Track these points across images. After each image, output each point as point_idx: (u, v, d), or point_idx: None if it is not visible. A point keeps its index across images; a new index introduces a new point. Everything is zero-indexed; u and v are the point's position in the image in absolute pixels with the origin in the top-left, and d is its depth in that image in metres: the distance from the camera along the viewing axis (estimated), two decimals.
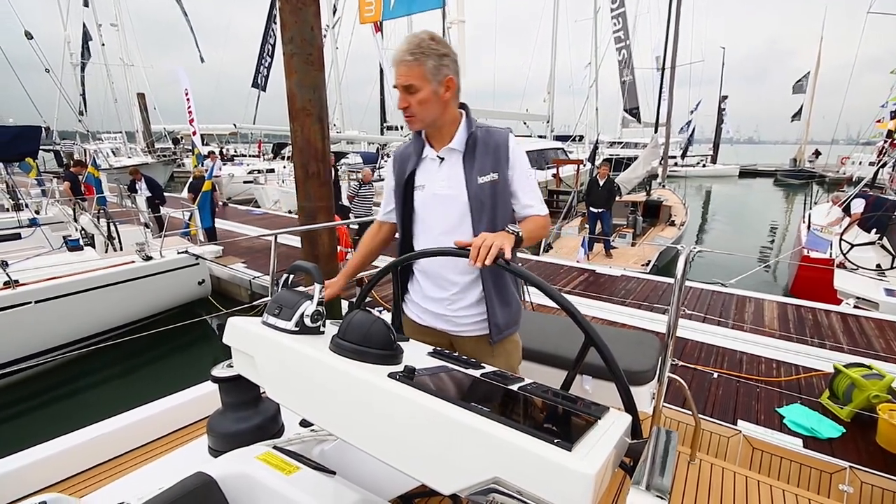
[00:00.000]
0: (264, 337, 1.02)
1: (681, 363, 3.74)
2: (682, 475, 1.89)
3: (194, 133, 16.56)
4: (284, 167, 17.07)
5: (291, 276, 1.20)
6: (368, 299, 1.45)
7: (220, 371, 1.32)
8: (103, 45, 25.49)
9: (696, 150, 35.23)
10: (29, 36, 11.94)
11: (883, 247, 6.50)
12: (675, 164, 27.47)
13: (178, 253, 6.13)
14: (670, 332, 1.75)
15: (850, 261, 6.16)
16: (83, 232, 6.84)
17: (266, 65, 20.10)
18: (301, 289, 1.17)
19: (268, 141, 26.37)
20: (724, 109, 33.24)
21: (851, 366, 3.12)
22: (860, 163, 21.59)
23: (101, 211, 7.06)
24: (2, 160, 6.94)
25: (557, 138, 21.94)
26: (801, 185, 25.02)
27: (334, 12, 17.91)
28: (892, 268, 5.90)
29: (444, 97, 1.30)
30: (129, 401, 2.00)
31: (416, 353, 1.03)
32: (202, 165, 12.16)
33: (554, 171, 14.96)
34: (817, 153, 31.39)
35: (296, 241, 7.36)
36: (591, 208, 8.29)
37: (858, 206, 7.71)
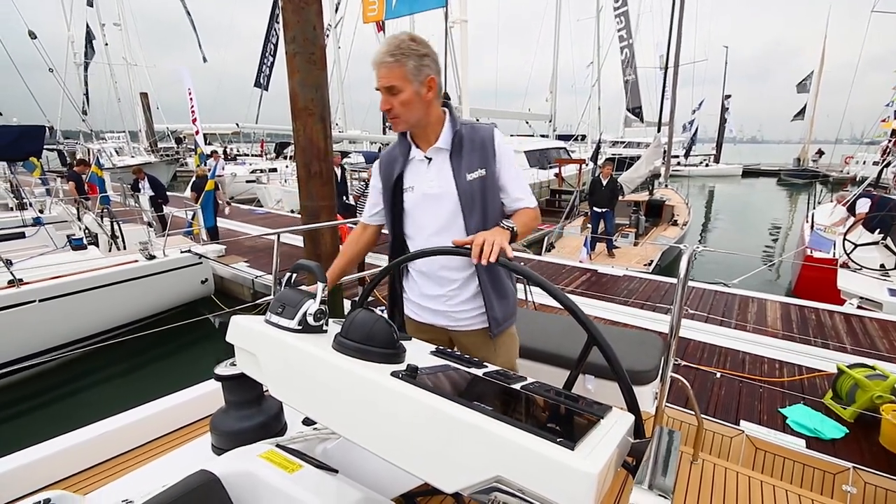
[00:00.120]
0: (267, 335, 1.02)
1: (683, 363, 3.74)
2: (685, 475, 1.88)
3: (197, 132, 16.64)
4: (287, 166, 17.10)
5: (294, 275, 1.20)
6: (370, 298, 1.45)
7: (223, 369, 1.33)
8: (107, 44, 25.60)
9: (699, 149, 35.14)
10: (32, 35, 11.96)
11: (887, 247, 6.47)
12: (678, 164, 27.41)
13: (181, 252, 6.15)
14: (673, 332, 1.75)
15: (853, 261, 6.13)
16: (87, 231, 6.87)
17: (268, 64, 20.12)
18: (304, 287, 1.17)
19: (270, 140, 26.42)
20: (727, 109, 33.13)
21: (855, 366, 3.11)
22: (864, 162, 21.49)
23: (105, 210, 7.08)
24: (6, 159, 6.98)
25: (560, 138, 21.91)
26: (805, 184, 24.92)
27: (336, 9, 17.91)
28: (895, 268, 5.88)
29: (427, 97, 1.30)
30: (132, 399, 2.01)
31: (419, 352, 1.04)
32: (205, 165, 12.21)
33: (556, 170, 14.94)
34: (820, 153, 31.26)
35: (298, 241, 7.37)
36: (595, 208, 8.28)
37: (864, 205, 7.67)
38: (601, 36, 22.18)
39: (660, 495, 0.61)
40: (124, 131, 27.78)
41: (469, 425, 0.71)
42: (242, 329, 1.09)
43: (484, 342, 1.51)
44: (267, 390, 1.21)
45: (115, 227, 6.78)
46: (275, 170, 17.89)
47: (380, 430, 0.83)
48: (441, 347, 1.08)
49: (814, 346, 4.10)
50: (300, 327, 1.02)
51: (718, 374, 3.58)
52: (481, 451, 0.70)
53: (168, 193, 9.43)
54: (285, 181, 14.98)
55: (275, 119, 21.19)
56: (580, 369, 1.03)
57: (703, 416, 2.04)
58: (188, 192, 9.82)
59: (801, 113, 30.18)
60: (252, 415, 1.34)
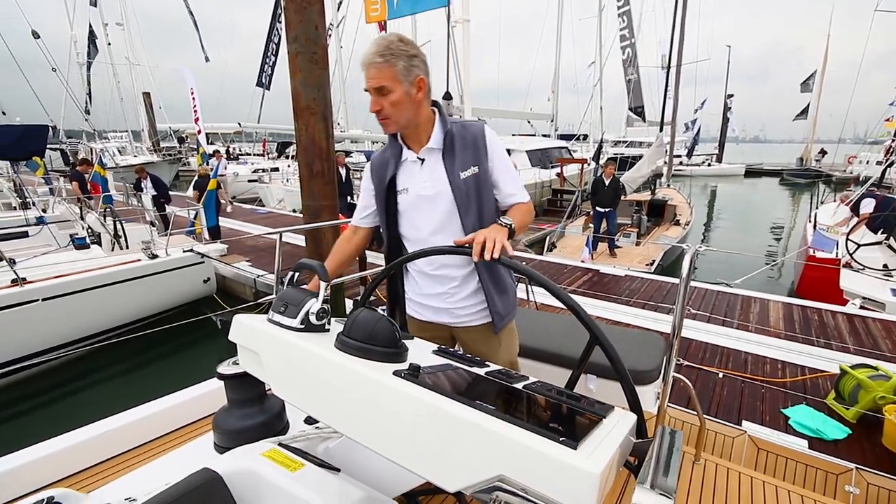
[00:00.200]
0: (270, 334, 1.03)
1: (685, 363, 3.73)
2: (687, 475, 1.88)
3: (199, 132, 16.66)
4: (289, 166, 17.11)
5: (297, 274, 1.20)
6: (371, 298, 1.45)
7: (225, 368, 1.33)
8: (109, 44, 25.65)
9: (702, 149, 35.03)
10: (36, 35, 12.02)
11: (890, 247, 6.45)
12: (681, 163, 27.33)
13: (184, 251, 6.16)
14: (675, 332, 1.74)
15: (856, 261, 6.11)
16: (90, 230, 6.88)
17: (270, 63, 20.15)
18: (305, 287, 1.17)
19: (272, 140, 26.45)
20: (729, 108, 33.04)
21: (857, 367, 3.10)
22: (867, 162, 21.42)
23: (108, 209, 7.09)
24: (10, 159, 7.00)
25: (561, 137, 21.88)
26: (808, 184, 24.85)
27: (339, 6, 17.90)
28: None
29: (417, 98, 1.30)
30: (135, 397, 2.02)
31: (421, 352, 1.04)
32: (207, 164, 12.23)
33: (558, 170, 14.93)
34: (823, 152, 31.16)
35: (300, 240, 7.40)
36: (598, 208, 8.25)
37: (868, 205, 7.65)
38: (603, 35, 22.14)
39: (663, 495, 0.61)
40: (127, 131, 27.87)
41: (472, 424, 0.71)
42: (245, 328, 1.09)
43: (486, 337, 1.52)
44: (269, 389, 1.21)
45: (118, 226, 6.79)
46: (277, 169, 17.90)
47: (382, 428, 0.83)
48: (443, 347, 1.09)
49: (816, 347, 4.09)
50: (303, 326, 1.02)
51: (720, 375, 3.57)
52: (484, 450, 0.70)
53: (170, 193, 9.44)
54: (287, 181, 14.99)
55: (277, 118, 21.23)
56: (582, 369, 1.03)
57: (705, 416, 2.04)
58: (190, 192, 9.85)
59: (804, 112, 30.10)
60: (254, 413, 1.34)
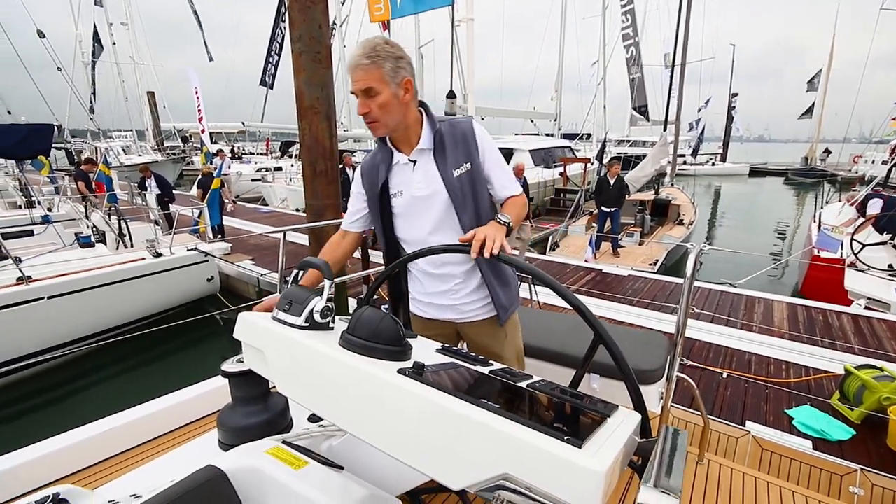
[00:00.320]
0: (274, 332, 1.03)
1: (689, 363, 3.72)
2: (691, 475, 1.88)
3: (203, 131, 16.71)
4: (292, 165, 17.15)
5: (301, 272, 1.21)
6: (374, 297, 1.45)
7: (229, 366, 1.33)
8: (114, 44, 25.76)
9: (706, 148, 34.93)
10: (41, 35, 12.07)
11: (895, 247, 6.41)
12: (685, 163, 27.24)
13: (188, 250, 6.19)
14: (679, 331, 1.74)
15: (861, 261, 6.08)
16: (95, 229, 6.92)
17: (273, 63, 20.20)
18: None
19: (275, 139, 26.51)
20: (734, 107, 32.89)
21: (862, 367, 3.08)
22: (873, 161, 21.29)
23: (113, 208, 7.14)
24: (15, 158, 7.03)
25: (565, 136, 21.81)
26: (813, 183, 24.71)
27: (343, 6, 17.91)
28: None
29: (405, 99, 1.30)
30: (140, 395, 2.03)
31: (425, 350, 1.04)
32: (211, 163, 12.26)
33: (561, 169, 14.90)
34: (827, 151, 30.99)
35: (303, 239, 7.40)
36: (603, 207, 8.22)
37: (875, 206, 7.60)
38: (607, 34, 22.07)
39: (668, 494, 0.61)
40: (131, 130, 27.97)
41: (476, 423, 0.71)
42: (250, 326, 1.10)
43: (492, 330, 1.54)
44: (273, 387, 1.22)
45: (123, 224, 6.83)
46: (280, 168, 17.94)
47: (386, 426, 0.83)
48: (447, 345, 1.09)
49: (821, 347, 4.07)
50: (307, 324, 1.02)
51: (724, 375, 3.56)
52: (489, 448, 0.70)
53: (174, 191, 9.48)
54: (290, 180, 15.02)
55: (280, 118, 21.27)
56: (587, 368, 1.03)
57: (708, 416, 2.03)
58: (194, 191, 9.88)
59: (809, 111, 29.95)
60: (258, 411, 1.35)
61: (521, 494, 0.67)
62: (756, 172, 33.23)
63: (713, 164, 32.54)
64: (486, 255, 1.11)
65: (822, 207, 9.80)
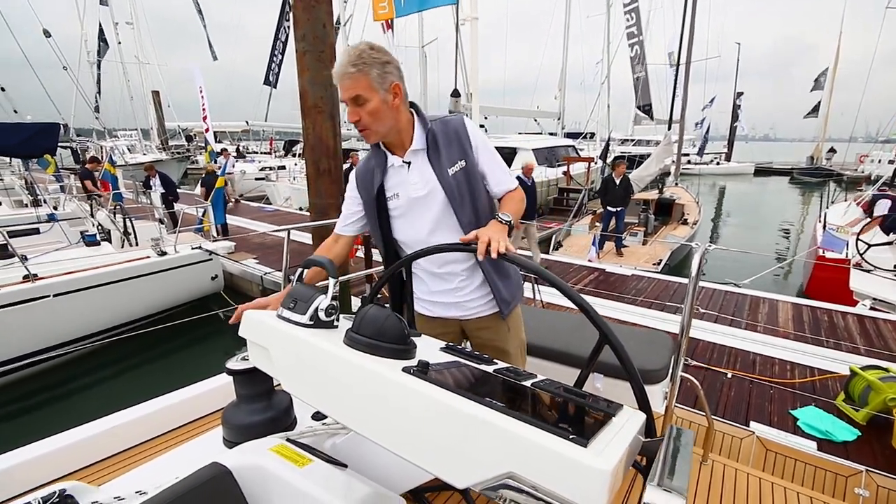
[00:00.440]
0: (279, 330, 1.03)
1: (693, 363, 3.71)
2: (695, 476, 1.87)
3: (207, 130, 16.77)
4: (295, 164, 17.18)
5: (305, 271, 1.21)
6: (379, 295, 1.46)
7: (234, 364, 1.34)
8: (119, 43, 25.85)
9: (710, 147, 34.73)
10: (47, 34, 12.15)
11: None
12: (689, 162, 27.11)
13: (192, 249, 6.21)
14: (684, 331, 1.73)
15: (866, 261, 6.04)
16: (100, 227, 6.95)
17: (277, 62, 20.22)
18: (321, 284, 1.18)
19: (279, 138, 26.56)
20: (739, 106, 32.69)
21: (868, 368, 3.07)
22: (878, 161, 21.13)
23: (118, 207, 7.17)
24: (22, 156, 7.08)
25: (568, 135, 21.76)
26: (818, 183, 24.55)
27: (346, 4, 17.91)
28: None
29: (394, 104, 1.29)
30: (144, 393, 2.04)
31: (429, 349, 1.04)
32: (215, 162, 12.31)
33: (564, 168, 14.86)
34: (832, 151, 30.79)
35: (306, 238, 7.42)
36: (608, 207, 8.19)
37: (883, 207, 7.54)
38: (611, 32, 21.97)
39: (674, 493, 0.61)
40: (136, 129, 28.08)
41: (482, 421, 0.71)
42: (255, 323, 1.10)
43: (495, 325, 1.55)
44: (277, 385, 1.22)
45: (128, 223, 6.86)
46: (283, 167, 17.98)
47: (391, 425, 0.83)
48: (451, 344, 1.09)
49: (826, 348, 4.05)
50: (312, 322, 1.02)
51: (729, 375, 3.55)
52: (494, 446, 0.70)
53: (178, 190, 9.51)
54: (294, 179, 15.05)
55: (284, 117, 21.31)
56: (591, 367, 1.03)
57: (712, 416, 2.03)
58: (198, 189, 9.92)
59: (815, 110, 29.73)
60: (263, 409, 1.36)
61: (526, 493, 0.67)
62: (761, 172, 33.04)
63: (718, 164, 32.37)
64: (494, 255, 1.11)
65: (827, 207, 9.74)
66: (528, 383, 0.88)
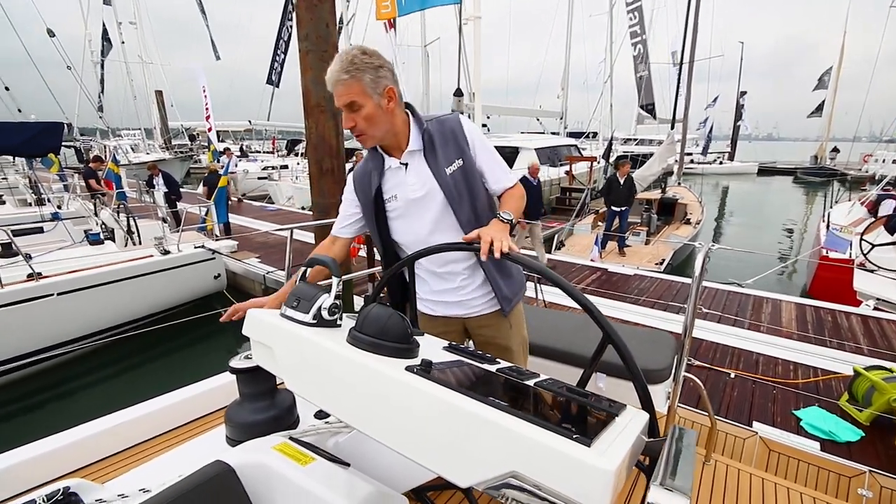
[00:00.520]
0: (283, 329, 1.03)
1: (696, 363, 3.70)
2: (698, 476, 1.87)
3: (210, 129, 16.79)
4: (298, 164, 17.20)
5: (308, 270, 1.21)
6: (381, 294, 1.46)
7: (237, 362, 1.34)
8: (123, 42, 25.91)
9: (714, 146, 34.61)
10: (51, 34, 12.20)
11: None
12: (692, 161, 27.01)
13: (195, 248, 6.23)
14: (687, 331, 1.73)
15: (870, 261, 6.01)
16: (103, 226, 6.99)
17: (280, 61, 20.23)
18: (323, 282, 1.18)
19: (282, 137, 26.60)
20: (742, 105, 32.57)
21: (871, 368, 3.06)
22: (883, 160, 21.03)
23: (121, 206, 7.19)
24: (26, 156, 7.11)
25: (571, 135, 21.70)
26: (822, 183, 24.45)
27: (349, 0, 17.91)
28: None
29: (389, 108, 1.29)
30: (148, 391, 2.04)
31: (432, 348, 1.04)
32: (218, 161, 12.33)
33: (567, 168, 14.84)
34: (836, 150, 30.65)
35: (309, 237, 7.43)
36: (612, 206, 8.17)
37: (888, 206, 7.50)
38: (614, 31, 21.90)
39: (678, 493, 0.61)
40: (140, 128, 28.14)
41: (484, 420, 0.71)
42: (258, 322, 1.10)
43: (498, 322, 1.55)
44: (280, 383, 1.23)
45: (131, 222, 6.88)
46: (286, 167, 18.00)
47: (394, 423, 0.83)
48: (454, 343, 1.09)
49: (829, 348, 4.04)
50: (315, 321, 1.03)
51: (732, 375, 3.54)
52: (497, 446, 0.70)
53: (181, 190, 9.54)
54: (296, 178, 15.07)
55: (286, 116, 21.40)
56: (594, 367, 1.02)
57: (715, 416, 2.02)
58: (200, 188, 9.94)
59: (819, 109, 29.59)
60: (266, 407, 1.36)
61: (529, 492, 0.67)
62: (765, 171, 32.93)
63: (721, 163, 32.25)
64: (497, 255, 1.11)
65: (831, 207, 9.70)
66: (531, 383, 0.88)
